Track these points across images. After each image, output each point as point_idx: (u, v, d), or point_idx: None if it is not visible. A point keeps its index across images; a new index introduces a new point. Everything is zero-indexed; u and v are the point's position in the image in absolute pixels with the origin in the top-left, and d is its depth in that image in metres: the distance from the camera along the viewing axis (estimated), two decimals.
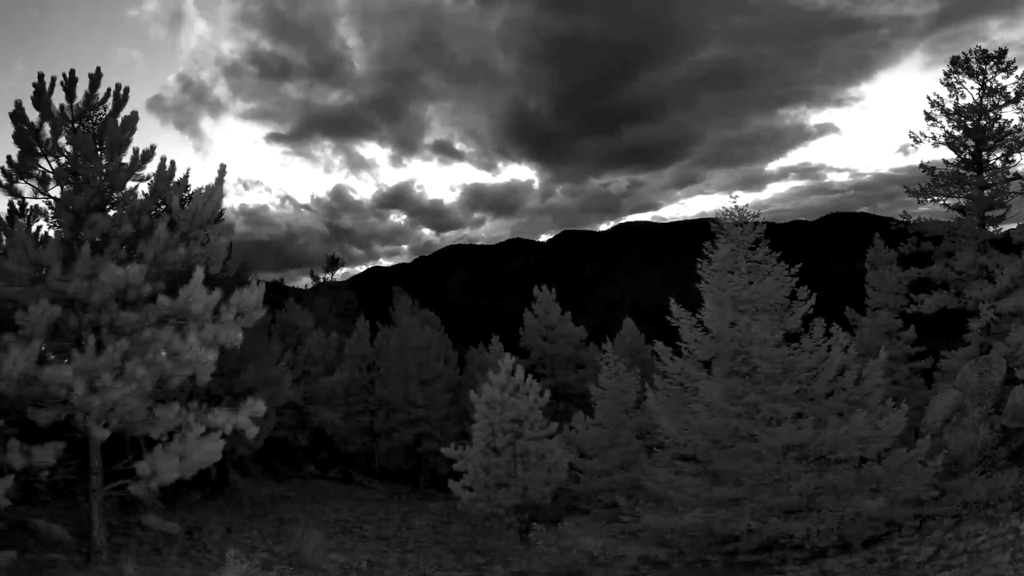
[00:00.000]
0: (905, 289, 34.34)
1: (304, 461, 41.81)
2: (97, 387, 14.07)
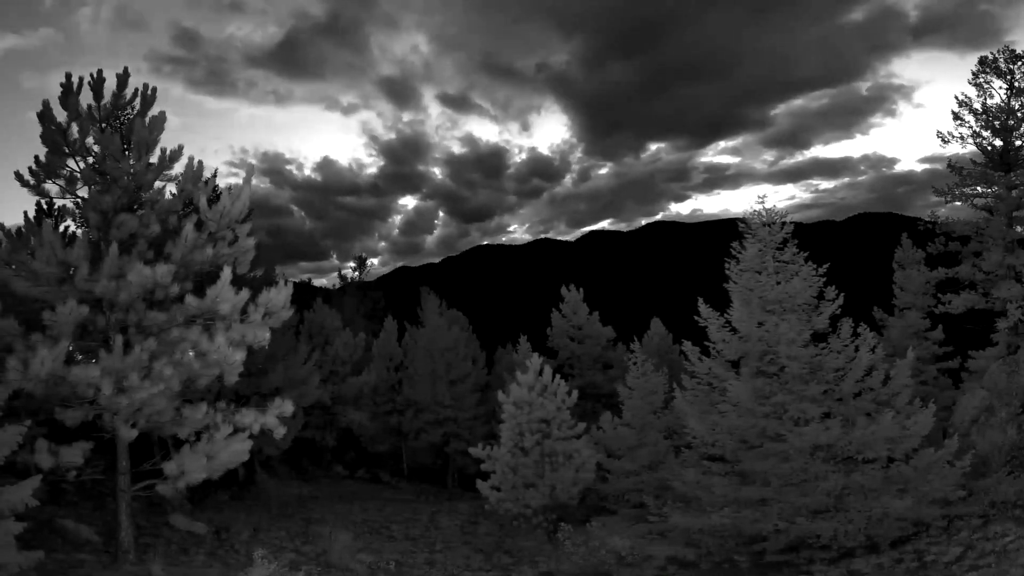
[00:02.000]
0: (933, 289, 34.21)
1: (332, 461, 41.92)
2: (125, 387, 14.12)
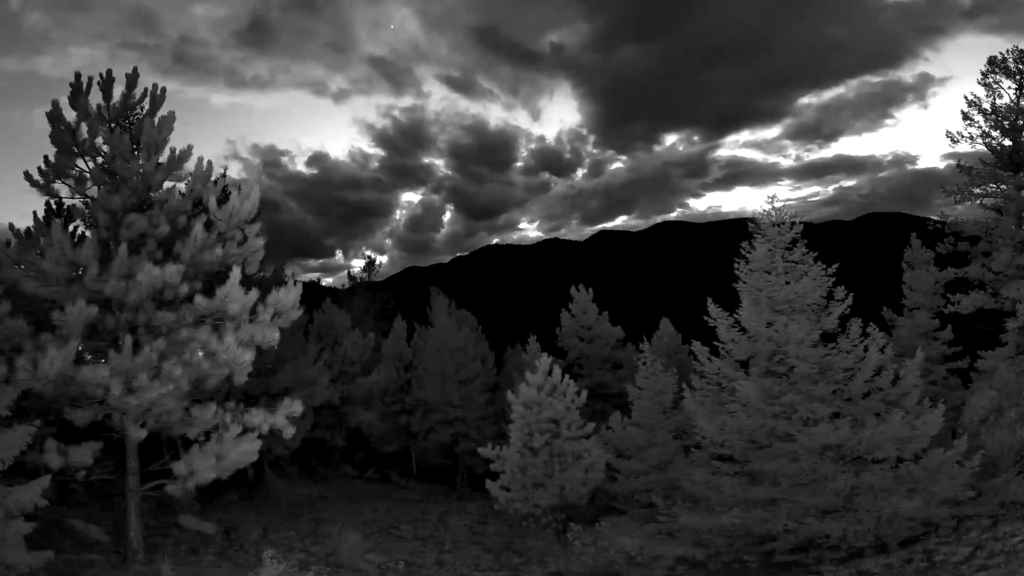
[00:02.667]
0: (942, 289, 34.05)
1: (341, 461, 41.93)
2: (134, 387, 14.12)
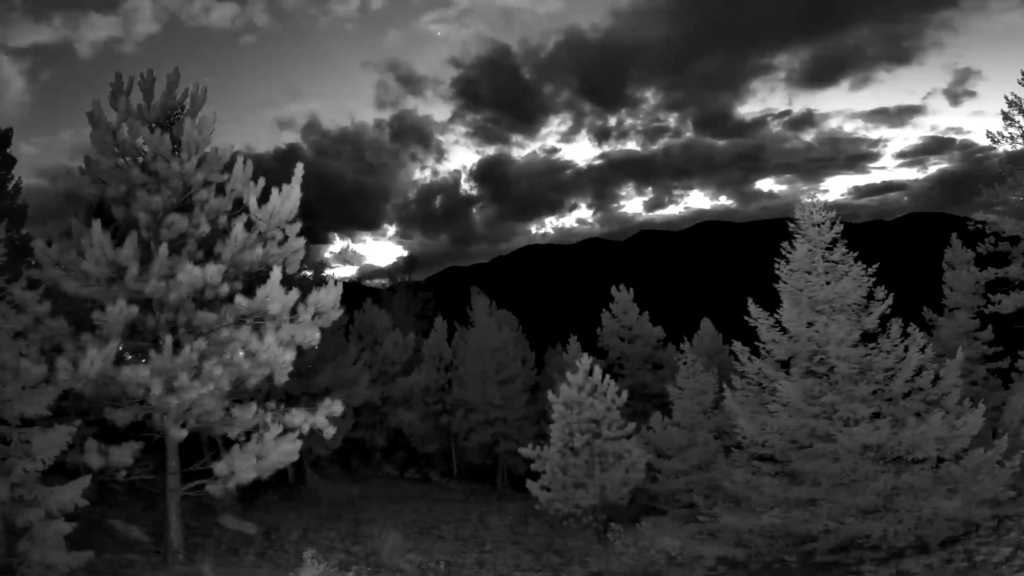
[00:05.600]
0: (983, 289, 33.67)
1: (381, 461, 42.03)
2: (174, 387, 14.16)
